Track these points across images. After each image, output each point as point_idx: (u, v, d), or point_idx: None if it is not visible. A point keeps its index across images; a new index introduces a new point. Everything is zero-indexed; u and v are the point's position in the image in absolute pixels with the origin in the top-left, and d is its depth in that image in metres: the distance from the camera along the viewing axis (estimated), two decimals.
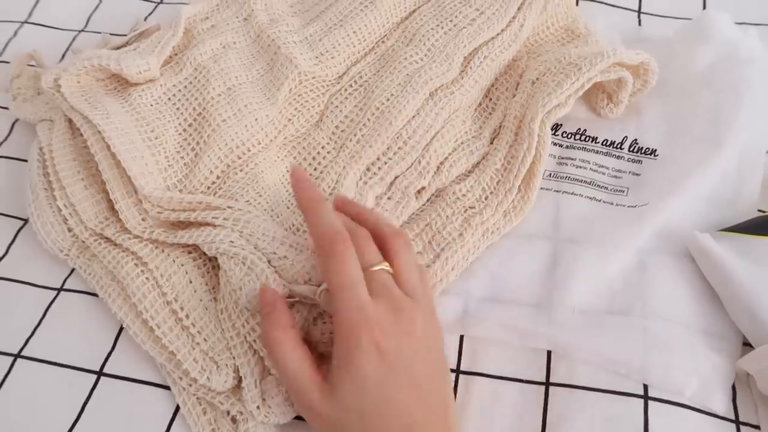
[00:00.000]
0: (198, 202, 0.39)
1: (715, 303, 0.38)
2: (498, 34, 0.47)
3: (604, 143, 0.45)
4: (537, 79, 0.44)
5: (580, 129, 0.46)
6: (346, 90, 0.46)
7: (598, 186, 0.43)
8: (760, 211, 0.42)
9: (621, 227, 0.40)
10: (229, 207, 0.39)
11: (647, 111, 0.46)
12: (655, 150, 0.44)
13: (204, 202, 0.39)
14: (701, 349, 0.36)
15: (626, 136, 0.45)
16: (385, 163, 0.43)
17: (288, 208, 0.42)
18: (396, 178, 0.43)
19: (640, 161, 0.44)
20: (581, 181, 0.44)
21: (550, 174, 0.44)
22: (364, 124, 0.44)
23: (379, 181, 0.42)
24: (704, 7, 0.54)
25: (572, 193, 0.43)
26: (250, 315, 0.36)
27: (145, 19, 0.57)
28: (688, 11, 0.53)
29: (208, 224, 0.39)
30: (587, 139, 0.45)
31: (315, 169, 0.43)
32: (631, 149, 0.44)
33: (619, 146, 0.45)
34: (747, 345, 0.37)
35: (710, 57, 0.45)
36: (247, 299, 0.35)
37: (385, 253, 0.34)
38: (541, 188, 0.43)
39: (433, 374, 0.32)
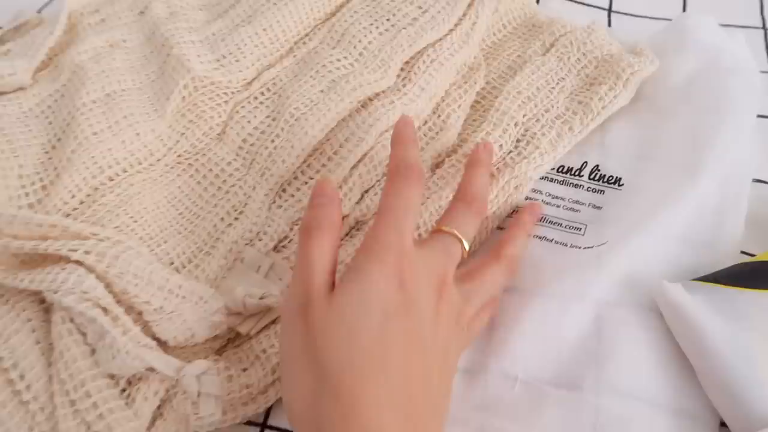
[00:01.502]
0: (51, 224, 0.31)
1: (687, 373, 0.31)
2: (446, 35, 0.40)
3: (560, 169, 0.38)
4: (524, 134, 0.37)
5: None
6: (256, 98, 0.38)
7: (551, 222, 0.36)
8: (744, 253, 0.34)
9: (575, 274, 0.33)
10: (94, 235, 0.31)
11: (612, 130, 0.39)
12: (620, 178, 0.37)
13: (60, 225, 0.31)
14: None
15: (586, 161, 0.38)
16: (305, 183, 0.35)
17: (180, 233, 0.34)
18: None
19: (601, 191, 0.37)
20: None
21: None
22: (277, 135, 0.36)
23: (296, 203, 0.35)
24: (684, 8, 0.47)
25: None
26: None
27: (39, 11, 0.49)
28: (665, 11, 0.46)
29: (63, 259, 0.31)
30: None
31: (219, 189, 0.36)
32: (592, 177, 0.37)
33: (577, 173, 0.37)
34: (724, 426, 0.30)
35: (689, 67, 0.38)
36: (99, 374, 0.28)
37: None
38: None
39: (433, 379, 0.26)
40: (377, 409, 0.24)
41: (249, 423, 0.32)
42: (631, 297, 0.33)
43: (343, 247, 0.34)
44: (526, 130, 0.37)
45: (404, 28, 0.40)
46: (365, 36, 0.39)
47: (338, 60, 0.39)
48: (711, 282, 0.32)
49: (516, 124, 0.37)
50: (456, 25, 0.40)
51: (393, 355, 0.25)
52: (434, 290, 0.28)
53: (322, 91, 0.37)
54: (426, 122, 0.39)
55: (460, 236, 0.30)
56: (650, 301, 0.32)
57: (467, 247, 0.30)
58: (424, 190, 0.35)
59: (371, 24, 0.40)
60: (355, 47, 0.39)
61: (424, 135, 0.38)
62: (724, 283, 0.31)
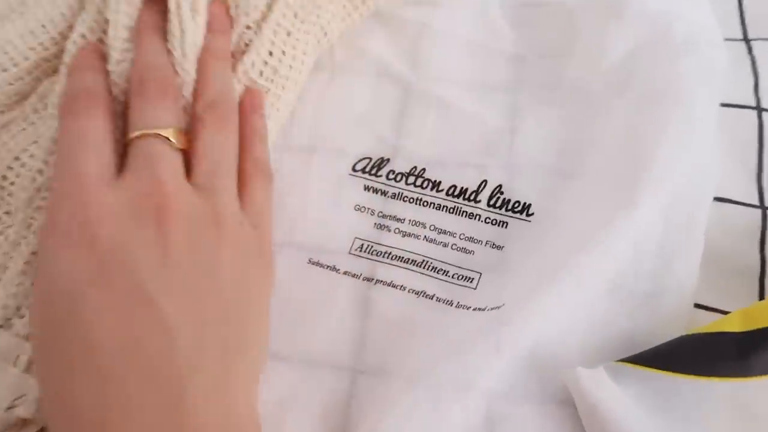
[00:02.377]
0: None
1: None
2: None
3: (451, 191, 0.27)
4: None
5: (415, 167, 0.28)
6: (25, 119, 0.28)
7: (434, 269, 0.26)
8: (700, 306, 0.25)
9: (458, 353, 0.23)
10: None
11: (523, 132, 0.28)
12: (529, 205, 0.26)
13: None
14: None
15: (485, 180, 0.27)
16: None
17: None
18: None
19: (504, 224, 0.26)
20: (407, 260, 0.26)
21: (362, 247, 0.27)
22: (39, 171, 0.26)
23: None
24: None
25: (390, 284, 0.26)
26: None
27: None
28: None
29: None
30: (426, 183, 0.28)
31: None
32: (492, 203, 0.27)
33: (473, 197, 0.27)
34: None
35: (628, 43, 0.28)
36: None
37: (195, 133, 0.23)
38: (345, 272, 0.26)
39: (216, 331, 0.20)
40: (92, 404, 0.19)
41: None
42: (537, 387, 0.23)
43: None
44: None
45: None
46: None
47: None
48: (645, 366, 0.22)
49: None
50: None
51: (107, 345, 0.19)
52: (150, 219, 0.21)
53: None
54: None
55: (152, 132, 0.22)
56: (561, 393, 0.23)
57: (174, 135, 0.23)
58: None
59: None
60: None
61: None
62: (664, 367, 0.22)
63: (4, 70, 0.27)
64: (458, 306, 0.25)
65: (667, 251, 0.24)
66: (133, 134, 0.23)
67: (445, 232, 0.27)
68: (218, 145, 0.23)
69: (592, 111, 0.28)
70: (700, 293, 0.25)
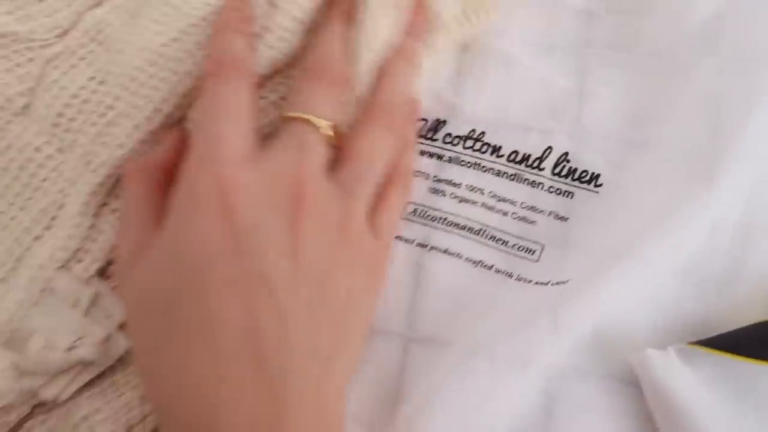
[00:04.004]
0: None
1: None
2: None
3: (512, 157, 0.26)
4: None
5: (474, 131, 0.27)
6: (74, 53, 0.27)
7: (492, 238, 0.25)
8: None
9: (520, 325, 0.22)
10: None
11: (594, 98, 0.26)
12: (598, 176, 0.25)
13: None
14: None
15: (551, 147, 0.26)
16: None
17: None
18: None
19: (569, 194, 0.25)
20: (464, 227, 0.25)
21: (415, 211, 0.26)
22: (109, 107, 0.26)
23: None
24: None
25: (445, 251, 0.25)
26: None
27: None
28: None
29: None
30: (485, 148, 0.26)
31: (26, 186, 0.26)
32: (558, 171, 0.25)
33: (537, 164, 0.26)
34: None
35: (713, 2, 0.25)
36: None
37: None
38: (397, 237, 0.25)
39: (299, 320, 0.20)
40: (213, 389, 0.19)
41: None
42: (600, 365, 0.22)
43: None
44: None
45: None
46: None
47: None
48: (718, 349, 0.21)
49: None
50: None
51: (223, 315, 0.20)
52: (285, 204, 0.21)
53: (174, 39, 0.26)
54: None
55: (310, 118, 0.22)
56: (626, 372, 0.22)
57: (329, 130, 0.23)
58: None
59: None
60: None
61: None
62: (739, 353, 0.21)
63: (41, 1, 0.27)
64: (518, 278, 0.24)
65: (747, 232, 0.23)
66: (290, 113, 0.23)
67: (504, 200, 0.25)
68: (377, 150, 0.23)
69: (670, 75, 0.26)
70: None
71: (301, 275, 0.20)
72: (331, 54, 0.24)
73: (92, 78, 0.26)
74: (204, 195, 0.21)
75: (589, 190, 0.25)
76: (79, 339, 0.23)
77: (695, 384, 0.21)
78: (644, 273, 0.22)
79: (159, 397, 0.21)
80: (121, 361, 0.25)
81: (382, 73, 0.24)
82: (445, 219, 0.25)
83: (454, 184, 0.26)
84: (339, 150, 0.23)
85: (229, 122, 0.22)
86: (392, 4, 0.25)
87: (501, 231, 0.25)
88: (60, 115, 0.26)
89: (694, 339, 0.22)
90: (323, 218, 0.21)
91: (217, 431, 0.19)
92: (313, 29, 0.26)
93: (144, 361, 0.22)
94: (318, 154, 0.22)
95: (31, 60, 0.27)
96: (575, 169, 0.25)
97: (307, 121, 0.22)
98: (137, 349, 0.22)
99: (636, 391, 0.22)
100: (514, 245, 0.25)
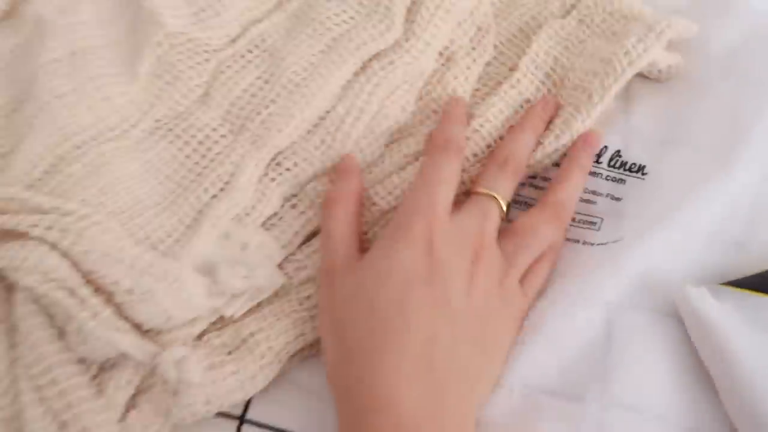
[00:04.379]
0: (9, 197, 0.29)
1: (702, 387, 0.27)
2: None
3: None
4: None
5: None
6: (243, 57, 0.35)
7: None
8: None
9: (585, 274, 0.30)
10: (56, 209, 0.29)
11: (638, 111, 0.34)
12: (644, 167, 0.33)
13: (17, 198, 0.29)
14: None
15: (606, 146, 0.34)
16: (305, 159, 0.33)
17: (158, 205, 0.32)
18: (306, 182, 0.33)
19: (622, 180, 0.33)
20: None
21: None
22: (272, 101, 0.33)
23: (292, 179, 0.32)
24: None
25: None
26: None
27: None
28: None
29: (22, 236, 0.29)
30: None
31: (203, 156, 0.33)
32: (612, 164, 0.33)
33: (596, 159, 0.33)
34: None
35: (731, 36, 0.34)
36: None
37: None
38: None
39: (462, 348, 0.26)
40: (395, 378, 0.25)
41: (226, 416, 0.30)
42: (648, 301, 0.29)
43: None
44: None
45: None
46: None
47: (336, 15, 0.35)
48: (741, 288, 0.28)
49: (530, 102, 0.34)
50: None
51: (413, 324, 0.25)
52: (469, 254, 0.28)
53: (322, 51, 0.34)
54: (430, 92, 0.35)
55: (495, 196, 0.30)
56: (669, 306, 0.29)
57: (504, 207, 0.30)
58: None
59: None
60: None
61: (423, 109, 0.35)
62: (757, 290, 0.28)
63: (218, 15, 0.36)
64: (584, 243, 0.31)
65: (758, 209, 0.30)
66: (480, 189, 0.30)
67: None
68: (540, 236, 0.30)
69: (697, 92, 0.34)
70: None
71: (470, 309, 0.27)
72: (519, 150, 0.31)
73: (259, 77, 0.34)
74: (415, 232, 0.27)
75: (637, 177, 0.33)
76: (251, 271, 0.31)
77: (722, 313, 0.27)
78: (680, 234, 0.30)
79: (345, 380, 0.26)
80: (276, 294, 0.31)
81: (559, 178, 0.31)
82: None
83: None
84: (508, 222, 0.30)
85: (443, 184, 0.29)
86: (577, 128, 0.33)
87: None
88: (232, 104, 0.34)
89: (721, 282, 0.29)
90: (491, 272, 0.28)
91: (387, 413, 0.24)
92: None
93: (338, 344, 0.27)
94: (494, 222, 0.29)
95: (207, 60, 0.35)
96: (626, 162, 0.33)
97: (493, 198, 0.30)
98: (333, 333, 0.28)
99: (675, 321, 0.29)
100: (579, 220, 0.32)
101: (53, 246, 0.28)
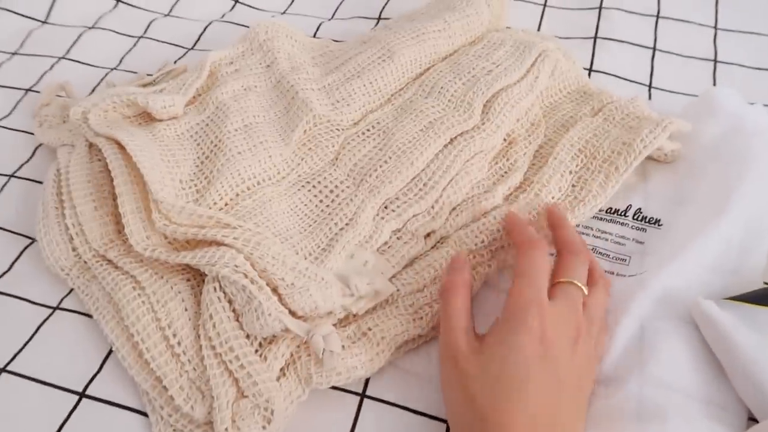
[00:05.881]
0: (209, 216, 0.39)
1: (718, 372, 0.37)
2: (515, 83, 0.49)
3: (608, 210, 0.45)
4: (578, 181, 0.45)
5: None
6: (363, 133, 0.47)
7: (600, 254, 0.43)
8: (766, 284, 0.41)
9: (622, 295, 0.40)
10: (240, 226, 0.39)
11: (653, 180, 0.46)
12: (659, 219, 0.44)
13: (215, 217, 0.39)
14: (700, 419, 0.34)
15: (630, 204, 0.45)
16: (405, 202, 0.43)
17: (301, 233, 0.42)
18: (408, 220, 0.43)
19: (644, 229, 0.44)
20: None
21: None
22: (385, 161, 0.45)
23: (396, 217, 0.43)
24: (714, 85, 0.56)
25: None
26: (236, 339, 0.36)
27: (175, 62, 0.59)
28: (697, 88, 0.55)
29: (215, 244, 0.39)
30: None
31: (333, 201, 0.44)
32: (636, 217, 0.45)
33: (623, 214, 0.45)
34: (752, 420, 0.35)
35: (717, 130, 0.46)
36: (246, 327, 0.36)
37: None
38: None
39: (571, 411, 0.33)
40: (516, 417, 0.30)
41: (351, 392, 0.38)
42: (669, 312, 0.39)
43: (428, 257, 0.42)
44: (579, 178, 0.45)
45: (482, 78, 0.49)
46: (451, 86, 0.49)
47: (432, 107, 0.48)
48: (739, 301, 0.38)
49: (570, 172, 0.45)
50: (522, 77, 0.50)
51: (532, 394, 0.31)
52: (572, 338, 0.34)
53: (421, 130, 0.46)
54: (497, 162, 0.47)
55: (580, 285, 0.36)
56: (687, 315, 0.38)
57: (584, 289, 0.37)
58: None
59: (455, 77, 0.49)
60: (444, 96, 0.48)
61: (495, 173, 0.46)
62: (751, 302, 0.38)
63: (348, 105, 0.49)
64: (618, 274, 0.42)
65: (746, 245, 0.41)
66: (564, 279, 0.36)
67: (604, 233, 0.44)
68: (603, 307, 0.37)
69: (695, 168, 0.45)
70: (765, 274, 0.40)
71: (574, 376, 0.33)
72: (581, 240, 0.39)
73: (375, 147, 0.46)
74: (530, 325, 0.32)
75: (655, 227, 0.44)
76: (371, 280, 0.40)
77: (726, 318, 0.37)
78: (689, 266, 0.40)
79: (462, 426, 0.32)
80: (387, 301, 0.40)
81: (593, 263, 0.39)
82: None
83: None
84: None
85: (540, 274, 0.35)
86: (608, 193, 0.44)
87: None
88: (355, 164, 0.45)
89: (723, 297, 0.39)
90: (587, 344, 0.35)
91: None
92: None
93: (464, 414, 0.32)
94: (580, 303, 0.36)
95: (338, 135, 0.47)
96: (645, 216, 0.44)
97: (576, 285, 0.36)
98: (461, 405, 0.33)
99: (691, 325, 0.38)
100: (613, 257, 0.43)
101: (239, 250, 0.38)
